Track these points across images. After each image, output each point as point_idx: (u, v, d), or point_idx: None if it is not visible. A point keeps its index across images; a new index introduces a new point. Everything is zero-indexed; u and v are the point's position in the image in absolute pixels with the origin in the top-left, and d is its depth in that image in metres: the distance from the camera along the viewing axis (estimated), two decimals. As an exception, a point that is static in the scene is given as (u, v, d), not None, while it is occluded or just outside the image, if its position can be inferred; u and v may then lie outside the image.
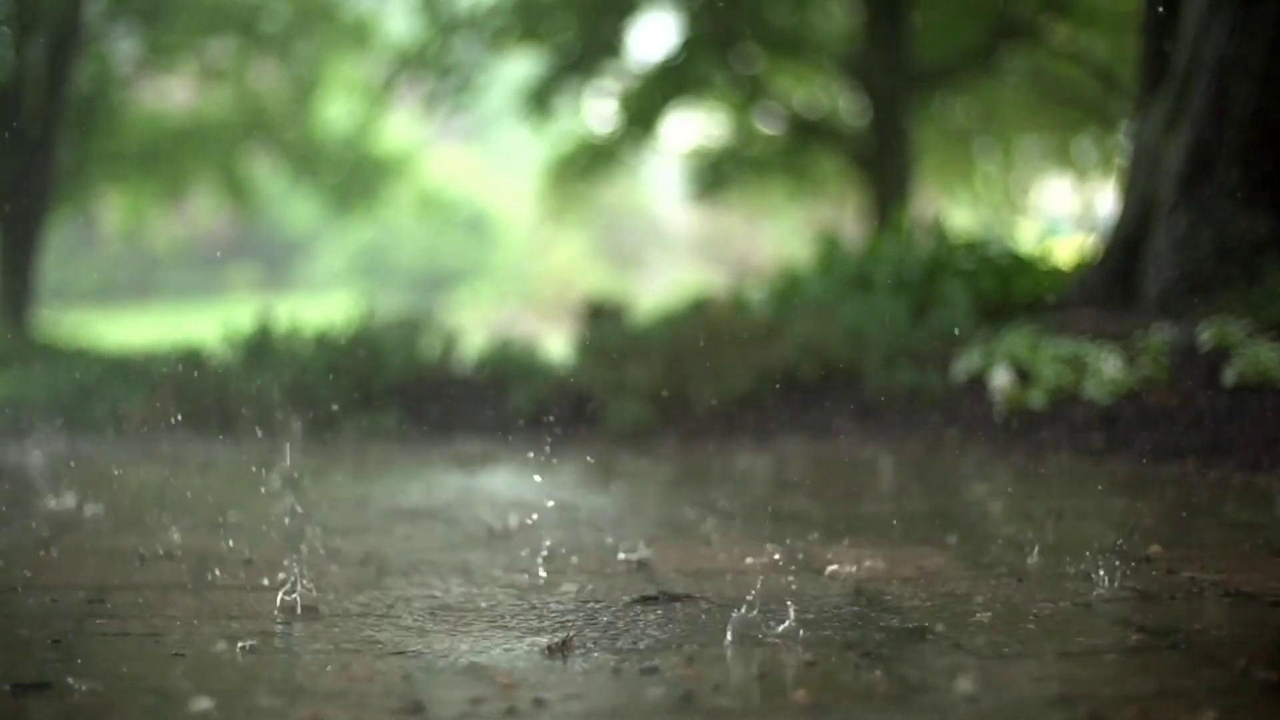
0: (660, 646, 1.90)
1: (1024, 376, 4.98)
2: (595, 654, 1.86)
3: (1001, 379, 4.96)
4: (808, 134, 15.32)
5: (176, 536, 2.93)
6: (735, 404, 5.56)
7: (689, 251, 33.65)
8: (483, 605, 2.22)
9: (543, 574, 2.52)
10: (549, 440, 5.55)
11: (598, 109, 16.57)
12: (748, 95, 15.36)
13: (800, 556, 2.66)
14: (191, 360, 6.47)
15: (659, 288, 21.64)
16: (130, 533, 3.09)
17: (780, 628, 1.99)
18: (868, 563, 2.55)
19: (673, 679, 1.71)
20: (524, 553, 2.78)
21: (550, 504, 3.69)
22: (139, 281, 30.33)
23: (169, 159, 16.39)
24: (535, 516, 3.40)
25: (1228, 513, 3.23)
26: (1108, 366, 4.75)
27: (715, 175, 16.53)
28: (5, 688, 1.66)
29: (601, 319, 8.67)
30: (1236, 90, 5.49)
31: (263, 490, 3.92)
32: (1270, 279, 5.13)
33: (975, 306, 6.02)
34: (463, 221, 30.01)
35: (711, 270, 25.74)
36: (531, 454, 5.17)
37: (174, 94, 17.65)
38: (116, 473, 4.59)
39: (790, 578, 2.43)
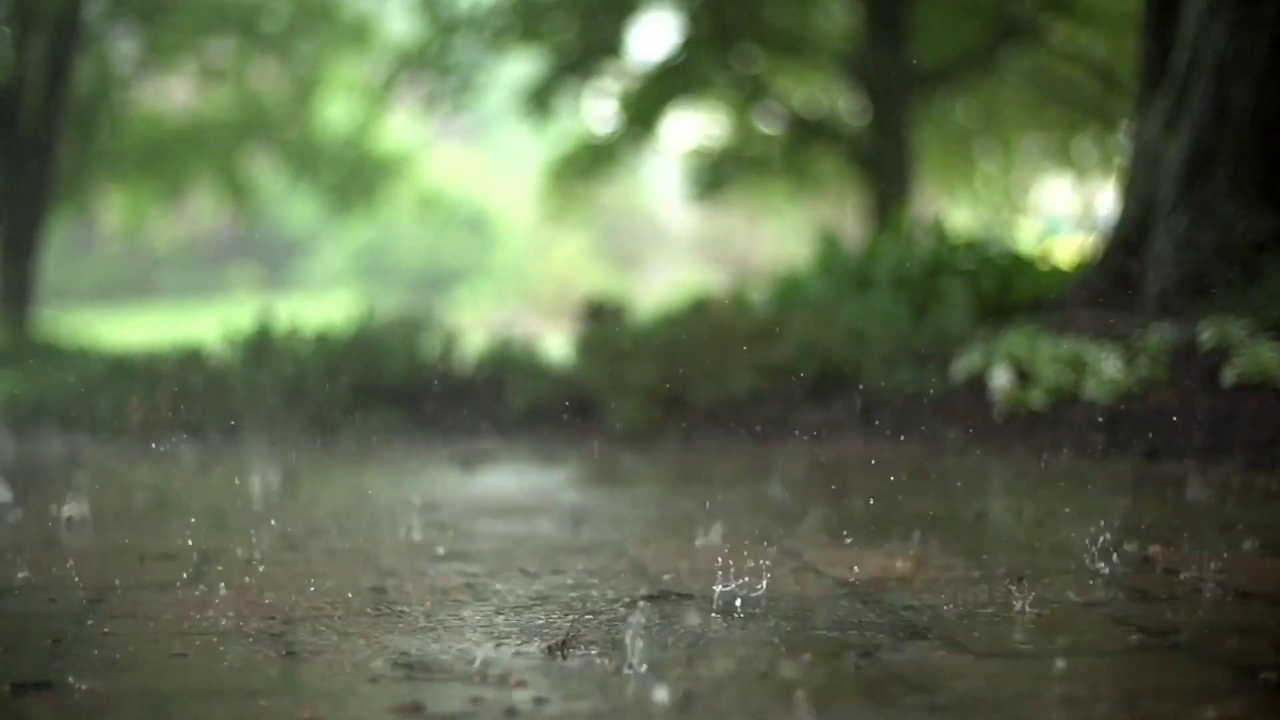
0: (660, 646, 1.90)
1: (1024, 376, 4.98)
2: (595, 653, 1.86)
3: (1001, 379, 4.96)
4: (808, 134, 15.32)
5: (176, 536, 2.93)
6: (735, 404, 5.55)
7: (689, 251, 33.65)
8: (482, 604, 2.22)
9: (543, 573, 2.52)
10: (548, 440, 5.54)
11: (598, 109, 16.58)
12: (748, 95, 15.36)
13: (800, 556, 2.66)
14: (191, 360, 6.46)
15: (659, 288, 21.62)
16: (130, 532, 3.09)
17: (779, 627, 1.99)
18: (867, 562, 2.55)
19: (673, 679, 1.71)
20: (523, 552, 2.78)
21: (549, 503, 3.69)
22: (139, 281, 30.34)
23: (169, 159, 16.40)
24: (534, 516, 3.40)
25: (1228, 513, 3.23)
26: (1108, 366, 4.75)
27: (715, 175, 16.53)
28: (5, 688, 1.67)
29: (601, 319, 8.66)
30: (1236, 90, 5.49)
31: (262, 490, 3.92)
32: (1270, 279, 5.12)
33: (975, 306, 6.02)
34: (463, 221, 30.00)
35: (711, 270, 25.73)
36: (531, 453, 5.17)
37: (174, 94, 17.65)
38: (116, 473, 4.59)
39: (790, 578, 2.42)
